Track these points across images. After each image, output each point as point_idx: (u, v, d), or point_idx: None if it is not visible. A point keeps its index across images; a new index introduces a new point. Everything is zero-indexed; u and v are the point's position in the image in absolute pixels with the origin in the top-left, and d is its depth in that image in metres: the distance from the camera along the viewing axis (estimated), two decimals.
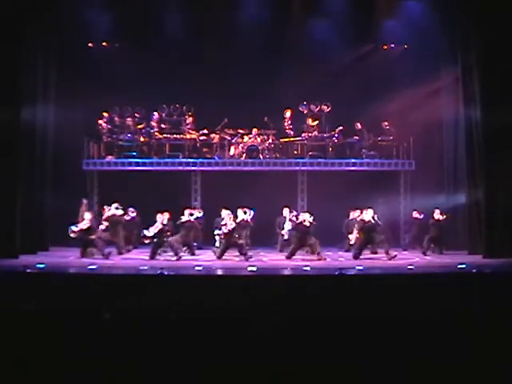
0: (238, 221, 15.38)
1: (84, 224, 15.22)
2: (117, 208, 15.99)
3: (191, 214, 15.80)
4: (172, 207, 16.18)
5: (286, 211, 16.80)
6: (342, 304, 8.70)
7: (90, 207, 17.07)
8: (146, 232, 15.18)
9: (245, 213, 15.89)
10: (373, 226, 15.09)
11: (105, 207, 16.36)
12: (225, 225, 15.23)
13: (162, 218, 15.15)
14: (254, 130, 18.71)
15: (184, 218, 15.58)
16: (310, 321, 7.29)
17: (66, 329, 6.80)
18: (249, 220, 15.94)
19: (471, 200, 16.31)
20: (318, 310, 8.14)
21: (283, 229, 16.62)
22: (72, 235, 15.42)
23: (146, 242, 15.36)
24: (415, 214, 17.35)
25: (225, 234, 15.18)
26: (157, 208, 15.72)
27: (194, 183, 18.83)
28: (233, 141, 18.82)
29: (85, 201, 16.90)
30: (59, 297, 9.35)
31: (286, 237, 16.49)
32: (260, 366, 5.93)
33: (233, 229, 15.04)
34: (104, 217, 16.04)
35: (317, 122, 18.83)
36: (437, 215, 16.25)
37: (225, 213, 15.67)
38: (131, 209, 16.79)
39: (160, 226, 14.98)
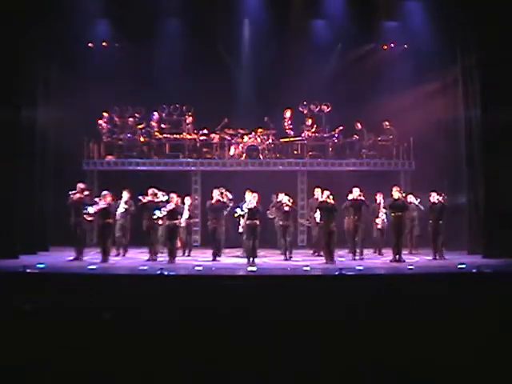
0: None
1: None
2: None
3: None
4: None
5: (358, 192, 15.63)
6: (341, 304, 8.69)
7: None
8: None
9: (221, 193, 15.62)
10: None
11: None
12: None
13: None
14: (260, 131, 18.68)
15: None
16: (309, 321, 7.29)
17: (66, 329, 6.81)
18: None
19: (471, 200, 16.32)
20: (318, 311, 8.14)
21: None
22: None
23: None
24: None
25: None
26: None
27: (194, 183, 18.84)
28: (233, 141, 18.81)
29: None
30: (59, 297, 9.34)
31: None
32: (259, 366, 5.93)
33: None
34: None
35: (310, 120, 18.75)
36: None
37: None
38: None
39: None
